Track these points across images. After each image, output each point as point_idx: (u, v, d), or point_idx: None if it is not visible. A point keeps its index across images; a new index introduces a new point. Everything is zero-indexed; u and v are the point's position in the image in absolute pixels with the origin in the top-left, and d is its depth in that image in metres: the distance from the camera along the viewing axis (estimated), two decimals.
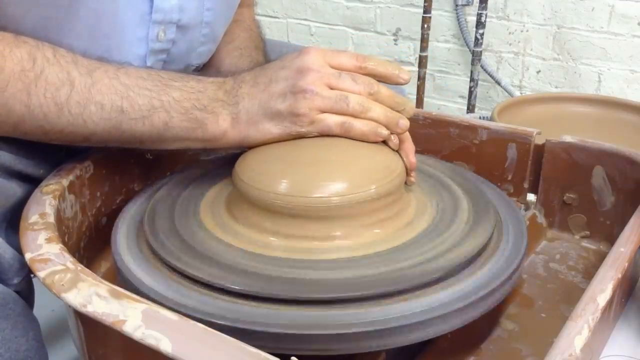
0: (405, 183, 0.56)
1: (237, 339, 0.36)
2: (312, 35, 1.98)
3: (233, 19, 0.74)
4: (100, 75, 0.53)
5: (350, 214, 0.50)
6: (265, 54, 0.79)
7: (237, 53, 0.75)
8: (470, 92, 1.61)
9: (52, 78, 0.51)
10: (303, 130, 0.54)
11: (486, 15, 1.53)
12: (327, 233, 0.50)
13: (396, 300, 0.45)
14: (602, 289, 0.43)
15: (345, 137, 0.55)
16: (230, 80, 0.57)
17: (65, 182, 0.56)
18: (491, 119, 1.23)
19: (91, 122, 0.53)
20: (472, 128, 0.70)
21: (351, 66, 0.55)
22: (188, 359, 0.35)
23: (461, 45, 1.73)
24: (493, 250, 0.52)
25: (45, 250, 0.45)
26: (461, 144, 0.71)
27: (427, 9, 1.54)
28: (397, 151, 0.56)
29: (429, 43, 1.59)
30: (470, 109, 1.62)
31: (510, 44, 1.66)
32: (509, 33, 1.65)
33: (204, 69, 0.74)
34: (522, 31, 1.63)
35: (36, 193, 0.54)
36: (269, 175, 0.52)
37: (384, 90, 0.55)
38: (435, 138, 0.72)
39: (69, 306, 0.40)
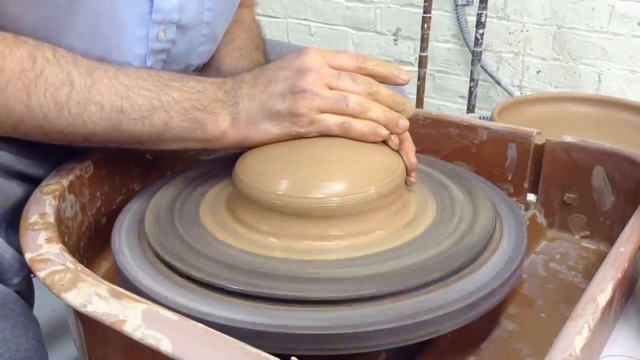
0: (406, 183, 0.56)
1: (237, 339, 0.36)
2: (312, 35, 1.98)
3: (233, 19, 0.74)
4: (100, 76, 0.53)
5: (351, 215, 0.50)
6: (265, 54, 0.79)
7: (237, 53, 0.75)
8: (470, 92, 1.61)
9: (52, 78, 0.51)
10: (302, 130, 0.54)
11: (486, 15, 1.53)
12: (327, 233, 0.50)
13: (396, 300, 0.45)
14: (602, 289, 0.43)
15: (345, 137, 0.55)
16: (230, 81, 0.57)
17: (65, 182, 0.56)
18: (491, 119, 1.24)
19: (91, 122, 0.53)
20: (472, 128, 0.70)
21: (351, 66, 0.55)
22: (188, 359, 0.35)
23: (461, 45, 1.73)
24: (493, 250, 0.52)
25: (45, 250, 0.45)
26: (461, 144, 0.71)
27: (427, 9, 1.54)
28: (397, 151, 0.56)
29: (429, 43, 1.59)
30: (470, 109, 1.62)
31: (510, 44, 1.66)
32: (509, 33, 1.65)
33: (204, 69, 0.74)
34: (522, 31, 1.63)
35: (36, 193, 0.54)
36: (269, 175, 0.52)
37: (383, 90, 0.55)
38: (435, 138, 0.72)
39: (69, 306, 0.40)
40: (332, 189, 0.50)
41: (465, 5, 1.67)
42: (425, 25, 1.55)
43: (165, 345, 0.36)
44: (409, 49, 1.83)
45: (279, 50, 0.81)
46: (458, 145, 0.71)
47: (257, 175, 0.52)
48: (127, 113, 0.53)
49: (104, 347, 0.43)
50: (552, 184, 0.68)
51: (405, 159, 0.56)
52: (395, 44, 1.85)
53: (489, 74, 1.67)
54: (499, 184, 0.69)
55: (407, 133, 0.57)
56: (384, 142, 0.56)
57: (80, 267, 0.43)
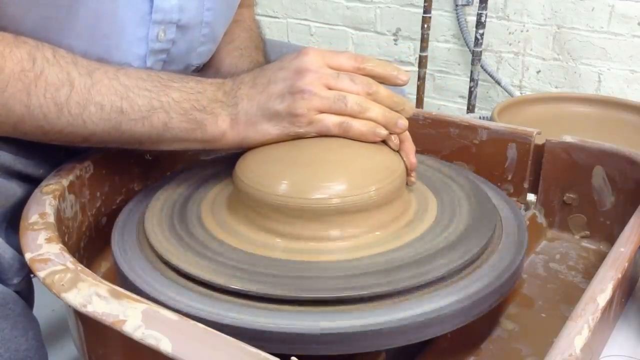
0: (406, 183, 0.56)
1: (237, 339, 0.36)
2: (312, 35, 1.98)
3: (233, 19, 0.74)
4: (100, 76, 0.53)
5: (351, 215, 0.50)
6: (266, 54, 0.79)
7: (237, 53, 0.75)
8: (470, 92, 1.61)
9: (52, 78, 0.51)
10: (301, 130, 0.54)
11: (486, 15, 1.53)
12: (328, 234, 0.50)
13: (396, 301, 0.45)
14: (602, 289, 0.43)
15: (344, 138, 0.55)
16: (229, 81, 0.57)
17: (65, 182, 0.56)
18: (491, 119, 1.24)
19: (91, 122, 0.53)
20: (472, 128, 0.70)
21: (350, 67, 0.55)
22: (188, 359, 0.35)
23: (461, 45, 1.73)
24: (493, 250, 0.52)
25: (45, 250, 0.45)
26: (461, 144, 0.71)
27: (427, 9, 1.54)
28: (397, 151, 0.56)
29: (429, 43, 1.59)
30: (470, 109, 1.62)
31: (510, 44, 1.66)
32: (509, 33, 1.65)
33: (204, 69, 0.74)
34: (522, 31, 1.63)
35: (36, 193, 0.54)
36: (269, 176, 0.52)
37: (382, 90, 0.55)
38: (435, 138, 0.72)
39: (69, 306, 0.40)
40: (333, 189, 0.50)
41: (465, 5, 1.67)
42: (425, 25, 1.55)
43: (165, 345, 0.36)
44: (409, 49, 1.83)
45: (279, 50, 0.81)
46: (458, 145, 0.71)
47: (257, 175, 0.52)
48: (126, 113, 0.53)
49: (104, 347, 0.43)
50: (552, 184, 0.68)
51: (405, 159, 0.56)
52: (395, 44, 1.85)
53: (489, 74, 1.67)
54: (499, 184, 0.69)
55: (407, 133, 0.57)
56: (384, 142, 0.56)
57: (80, 267, 0.43)
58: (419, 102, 1.64)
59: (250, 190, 0.52)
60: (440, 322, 0.45)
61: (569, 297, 0.58)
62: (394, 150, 0.56)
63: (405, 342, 0.45)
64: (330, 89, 0.54)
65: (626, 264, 0.47)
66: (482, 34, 1.54)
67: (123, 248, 0.53)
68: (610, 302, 0.44)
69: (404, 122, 0.55)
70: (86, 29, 0.57)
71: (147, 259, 0.51)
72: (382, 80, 0.56)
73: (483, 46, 1.58)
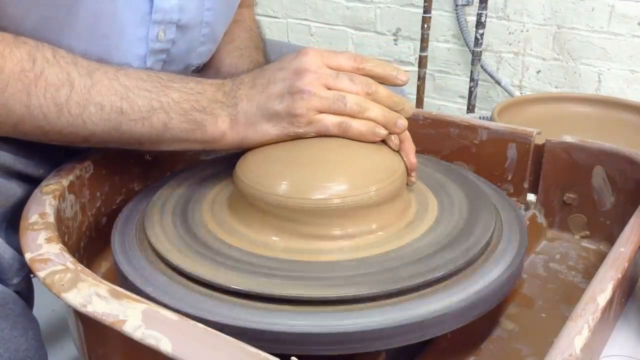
0: (406, 183, 0.56)
1: (237, 339, 0.36)
2: (312, 35, 1.98)
3: (233, 19, 0.74)
4: (100, 76, 0.53)
5: (351, 215, 0.50)
6: (266, 54, 0.79)
7: (237, 53, 0.75)
8: (470, 92, 1.61)
9: (52, 79, 0.51)
10: (301, 130, 0.54)
11: (486, 15, 1.53)
12: (328, 234, 0.50)
13: (397, 301, 0.45)
14: (602, 289, 0.43)
15: (344, 137, 0.55)
16: (229, 82, 0.57)
17: (65, 182, 0.56)
18: (491, 119, 1.24)
19: (91, 122, 0.53)
20: (472, 128, 0.70)
21: (349, 67, 0.55)
22: (188, 359, 0.35)
23: (461, 45, 1.73)
24: (493, 250, 0.52)
25: (45, 250, 0.45)
26: (461, 144, 0.71)
27: (427, 9, 1.54)
28: (397, 151, 0.56)
29: (429, 43, 1.59)
30: (470, 109, 1.62)
31: (510, 44, 1.66)
32: (509, 33, 1.65)
33: (204, 69, 0.74)
34: (522, 31, 1.63)
35: (36, 193, 0.54)
36: (269, 176, 0.52)
37: (382, 90, 0.55)
38: (435, 138, 0.72)
39: (69, 306, 0.40)
40: (333, 189, 0.50)
41: (465, 5, 1.67)
42: (425, 25, 1.55)
43: (165, 345, 0.36)
44: (409, 49, 1.83)
45: (279, 50, 0.81)
46: (458, 145, 0.71)
47: (258, 176, 0.52)
48: (126, 114, 0.53)
49: (104, 347, 0.43)
50: (552, 184, 0.68)
51: (405, 159, 0.56)
52: (395, 44, 1.85)
53: (489, 74, 1.67)
54: (499, 184, 0.69)
55: (407, 133, 0.57)
56: (384, 142, 0.56)
57: (80, 267, 0.43)
58: (419, 102, 1.64)
59: (250, 190, 0.52)
60: (440, 322, 0.45)
61: (569, 297, 0.58)
62: (394, 150, 0.56)
63: (405, 342, 0.45)
64: (329, 89, 0.54)
65: (626, 264, 0.47)
66: (482, 34, 1.54)
67: (123, 248, 0.53)
68: (610, 302, 0.44)
69: (403, 122, 0.55)
70: (86, 29, 0.57)
71: (147, 259, 0.51)
72: (381, 80, 0.56)
73: (483, 46, 1.58)
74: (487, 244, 0.52)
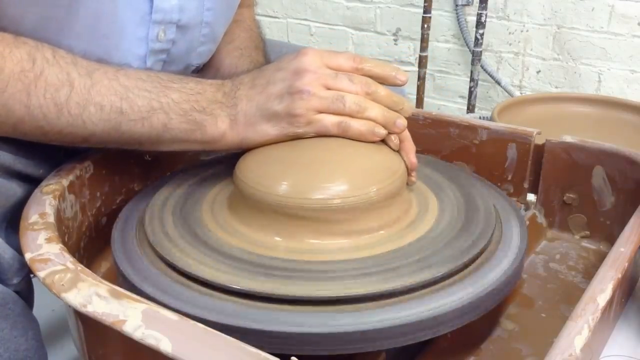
0: (407, 183, 0.56)
1: (238, 338, 0.36)
2: (312, 35, 1.98)
3: (233, 19, 0.74)
4: (99, 77, 0.53)
5: (351, 216, 0.50)
6: (266, 54, 0.79)
7: (237, 53, 0.75)
8: (470, 92, 1.61)
9: (52, 79, 0.51)
10: (300, 130, 0.54)
11: (486, 15, 1.53)
12: (328, 234, 0.50)
13: (397, 301, 0.45)
14: (602, 289, 0.43)
15: (343, 137, 0.55)
16: (228, 82, 0.57)
17: (65, 182, 0.56)
18: (491, 119, 1.24)
19: (90, 123, 0.53)
20: (472, 128, 0.70)
21: (348, 67, 0.55)
22: (188, 359, 0.35)
23: (461, 45, 1.73)
24: (493, 250, 0.52)
25: (45, 250, 0.45)
26: (461, 144, 0.71)
27: (427, 9, 1.54)
28: (397, 151, 0.56)
29: (429, 43, 1.59)
30: (470, 109, 1.62)
31: (510, 44, 1.66)
32: (509, 33, 1.65)
33: (204, 69, 0.74)
34: (522, 31, 1.63)
35: (36, 193, 0.54)
36: (269, 176, 0.52)
37: (381, 89, 0.55)
38: (435, 138, 0.72)
39: (69, 306, 0.40)
40: (333, 189, 0.50)
41: (465, 5, 1.67)
42: (425, 25, 1.55)
43: (165, 345, 0.36)
44: (409, 49, 1.83)
45: (278, 50, 0.81)
46: (458, 145, 0.71)
47: (258, 176, 0.52)
48: (126, 114, 0.53)
49: (104, 347, 0.43)
50: (552, 184, 0.68)
51: (405, 158, 0.56)
52: (395, 44, 1.85)
53: (489, 74, 1.67)
54: (499, 184, 0.69)
55: (407, 133, 0.57)
56: (384, 142, 0.56)
57: (80, 267, 0.43)
58: (419, 102, 1.64)
59: (250, 190, 0.52)
60: (440, 322, 0.45)
61: (569, 297, 0.58)
62: (393, 150, 0.56)
63: (405, 342, 0.45)
64: (328, 89, 0.54)
65: (626, 264, 0.47)
66: (482, 34, 1.54)
67: (123, 248, 0.53)
68: (610, 302, 0.44)
69: (403, 122, 0.55)
70: (86, 29, 0.57)
71: (147, 259, 0.51)
72: (380, 81, 0.56)
73: (483, 46, 1.58)
74: (487, 244, 0.52)
